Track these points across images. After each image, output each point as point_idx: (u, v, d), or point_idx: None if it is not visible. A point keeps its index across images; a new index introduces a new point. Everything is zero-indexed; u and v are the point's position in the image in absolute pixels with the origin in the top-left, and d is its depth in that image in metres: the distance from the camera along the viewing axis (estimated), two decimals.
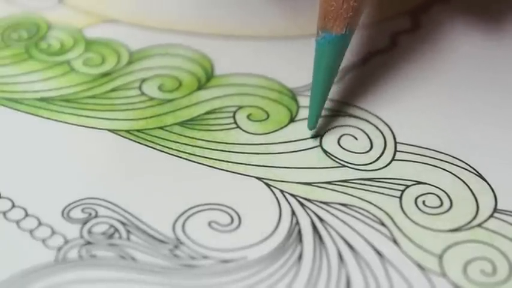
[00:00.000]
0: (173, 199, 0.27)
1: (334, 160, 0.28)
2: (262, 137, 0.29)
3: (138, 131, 0.29)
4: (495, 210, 0.27)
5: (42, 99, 0.30)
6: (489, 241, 0.26)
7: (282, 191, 0.27)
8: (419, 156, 0.28)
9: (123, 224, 0.26)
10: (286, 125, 0.30)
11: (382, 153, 0.29)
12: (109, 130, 0.29)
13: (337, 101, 0.30)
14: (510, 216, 0.27)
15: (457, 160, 0.28)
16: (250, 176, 0.28)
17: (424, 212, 0.27)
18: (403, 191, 0.27)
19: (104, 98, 0.30)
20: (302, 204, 0.27)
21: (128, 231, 0.26)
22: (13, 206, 0.27)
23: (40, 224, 0.26)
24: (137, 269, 0.25)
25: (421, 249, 0.26)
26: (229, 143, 0.29)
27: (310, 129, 0.29)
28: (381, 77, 0.31)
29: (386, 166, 0.28)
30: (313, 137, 0.29)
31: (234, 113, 0.30)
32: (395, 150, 0.29)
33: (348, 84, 0.31)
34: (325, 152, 0.29)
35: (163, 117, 0.30)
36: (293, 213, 0.27)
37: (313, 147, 0.29)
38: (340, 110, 0.30)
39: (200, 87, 0.31)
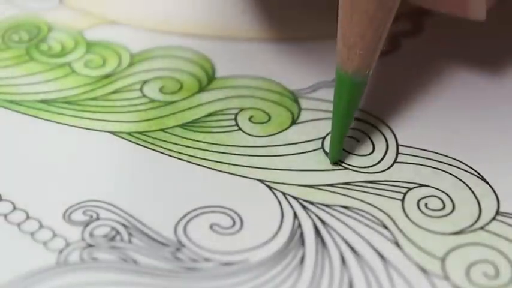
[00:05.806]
0: (175, 201, 0.27)
1: (336, 162, 0.28)
2: (263, 139, 0.29)
3: (139, 133, 0.29)
4: (498, 213, 0.27)
5: (43, 101, 0.30)
6: (492, 244, 0.26)
7: (284, 194, 0.27)
8: (421, 158, 0.28)
9: (124, 226, 0.26)
10: (287, 127, 0.29)
11: (384, 155, 0.28)
12: (110, 132, 0.29)
13: None
14: None
15: (459, 163, 0.28)
16: (252, 178, 0.28)
17: (426, 215, 0.27)
18: (405, 193, 0.27)
19: (105, 100, 0.30)
20: (304, 207, 0.27)
21: (130, 234, 0.26)
22: (14, 208, 0.27)
23: (41, 226, 0.26)
24: (139, 272, 0.25)
25: (424, 252, 0.26)
26: (231, 145, 0.29)
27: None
28: (383, 79, 0.31)
29: (388, 168, 0.28)
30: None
31: (236, 115, 0.30)
32: (398, 153, 0.29)
33: None
34: (326, 154, 0.28)
35: (164, 120, 0.30)
36: (295, 215, 0.27)
37: (315, 150, 0.29)
38: None
39: (201, 89, 0.31)
